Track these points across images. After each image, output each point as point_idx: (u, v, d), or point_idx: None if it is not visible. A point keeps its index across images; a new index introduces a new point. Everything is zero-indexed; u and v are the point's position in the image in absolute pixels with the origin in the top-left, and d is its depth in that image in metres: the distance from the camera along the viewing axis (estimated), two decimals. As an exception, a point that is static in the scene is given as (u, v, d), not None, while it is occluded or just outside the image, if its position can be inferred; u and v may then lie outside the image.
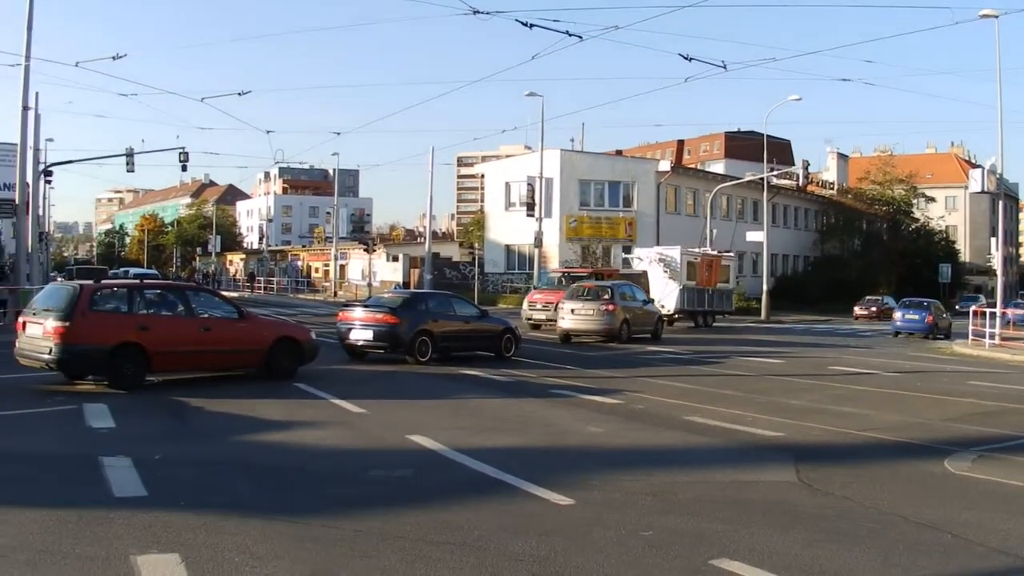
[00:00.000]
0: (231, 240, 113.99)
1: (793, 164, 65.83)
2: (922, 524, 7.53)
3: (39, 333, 14.27)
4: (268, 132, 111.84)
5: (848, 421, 13.27)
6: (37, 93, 33.52)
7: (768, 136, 55.06)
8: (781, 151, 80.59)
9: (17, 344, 15.11)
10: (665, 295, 37.44)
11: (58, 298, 14.83)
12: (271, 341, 16.41)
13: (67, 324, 13.88)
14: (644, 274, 38.08)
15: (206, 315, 15.97)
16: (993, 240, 59.80)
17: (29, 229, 31.67)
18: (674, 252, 40.00)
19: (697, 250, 44.24)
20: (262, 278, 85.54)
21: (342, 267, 76.90)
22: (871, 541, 6.95)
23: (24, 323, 15.06)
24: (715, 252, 44.98)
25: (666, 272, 38.95)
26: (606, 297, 28.34)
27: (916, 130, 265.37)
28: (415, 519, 7.17)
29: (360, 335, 20.39)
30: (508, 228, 58.27)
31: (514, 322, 24.37)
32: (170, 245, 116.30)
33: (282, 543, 6.39)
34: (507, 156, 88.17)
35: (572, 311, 28.46)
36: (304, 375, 16.45)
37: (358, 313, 21.03)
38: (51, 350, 13.89)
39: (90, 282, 15.46)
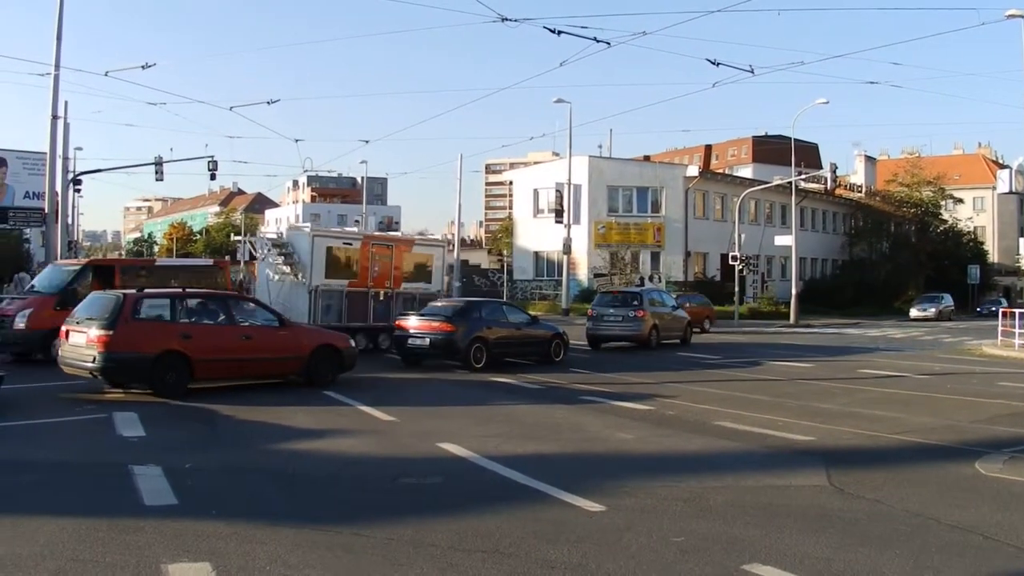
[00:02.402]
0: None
1: (821, 167, 65.45)
2: (954, 526, 7.48)
3: (82, 342, 14.39)
4: (297, 141, 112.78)
5: (879, 424, 13.19)
6: (66, 102, 34.04)
7: (796, 140, 54.81)
8: (809, 155, 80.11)
9: (60, 353, 15.27)
10: (279, 304, 21.19)
11: (101, 307, 14.90)
12: (311, 349, 16.55)
13: (111, 332, 14.03)
14: (244, 275, 27.55)
15: (247, 323, 16.14)
16: (1022, 240, 59.31)
17: (58, 238, 32.11)
18: (299, 237, 24.85)
19: (354, 230, 32.05)
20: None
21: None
22: (903, 544, 6.90)
23: (67, 332, 15.15)
24: (398, 234, 32.70)
25: (285, 266, 24.52)
26: (635, 303, 28.36)
27: (943, 131, 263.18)
28: (447, 527, 7.18)
29: (417, 343, 20.75)
30: (537, 235, 58.21)
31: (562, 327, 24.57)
32: (199, 254, 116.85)
33: (314, 551, 6.42)
34: (535, 163, 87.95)
35: (602, 317, 28.47)
36: (335, 383, 16.54)
37: (413, 322, 21.30)
38: (95, 358, 14.03)
39: (133, 291, 15.54)
